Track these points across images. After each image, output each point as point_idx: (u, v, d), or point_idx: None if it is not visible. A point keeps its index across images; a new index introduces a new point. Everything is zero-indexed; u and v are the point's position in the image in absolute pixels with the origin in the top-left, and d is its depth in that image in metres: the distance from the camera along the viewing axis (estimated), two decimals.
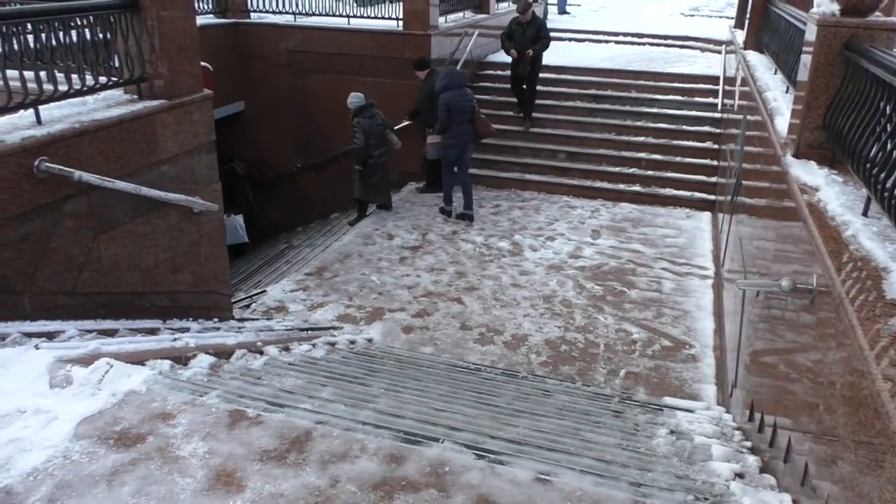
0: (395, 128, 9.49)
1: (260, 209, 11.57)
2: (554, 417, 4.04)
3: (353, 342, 5.86)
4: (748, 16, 9.11)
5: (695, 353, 6.05)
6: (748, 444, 3.77)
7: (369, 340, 6.12)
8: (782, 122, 4.67)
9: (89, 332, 4.01)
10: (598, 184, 10.09)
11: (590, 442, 3.50)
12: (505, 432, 3.34)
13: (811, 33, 3.91)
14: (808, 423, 2.79)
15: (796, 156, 3.95)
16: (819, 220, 3.08)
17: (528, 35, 10.38)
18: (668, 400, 5.07)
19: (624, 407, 4.71)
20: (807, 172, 3.71)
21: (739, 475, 3.19)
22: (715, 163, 9.93)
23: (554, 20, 17.00)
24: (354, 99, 8.70)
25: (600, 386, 5.50)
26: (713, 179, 9.73)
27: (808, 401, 2.83)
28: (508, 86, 11.20)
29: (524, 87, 10.83)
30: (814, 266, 2.91)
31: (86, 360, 3.18)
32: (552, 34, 14.63)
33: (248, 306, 6.92)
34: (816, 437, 2.66)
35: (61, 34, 4.32)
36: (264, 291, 7.31)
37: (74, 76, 4.42)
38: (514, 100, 11.04)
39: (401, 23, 10.30)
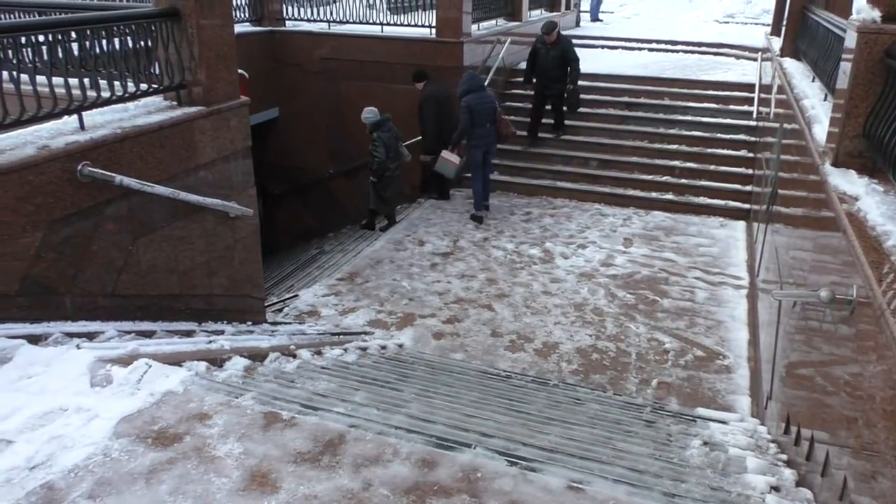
0: (409, 142, 9.64)
1: (295, 216, 11.71)
2: (585, 426, 4.02)
3: (384, 347, 5.89)
4: (785, 23, 9.00)
5: (728, 364, 5.97)
6: (784, 457, 3.71)
7: (400, 346, 6.15)
8: (820, 131, 4.61)
9: (128, 333, 4.09)
10: (631, 192, 10.01)
11: (622, 451, 3.48)
12: (536, 440, 3.34)
13: (851, 40, 3.86)
14: (846, 437, 2.75)
15: (835, 164, 3.89)
16: (859, 229, 3.04)
17: (553, 56, 10.22)
18: (701, 411, 5.02)
19: (656, 417, 4.67)
20: (846, 181, 3.65)
21: (775, 488, 3.14)
22: (750, 171, 9.80)
23: (586, 27, 16.98)
24: (369, 114, 8.82)
25: (632, 395, 5.45)
26: (748, 188, 9.61)
27: (847, 414, 2.79)
28: None
29: (551, 106, 10.68)
30: (853, 277, 2.86)
31: (125, 361, 3.25)
32: (584, 41, 14.74)
33: (280, 310, 6.99)
34: (855, 451, 2.61)
35: (104, 42, 4.43)
36: (297, 296, 7.38)
37: (116, 83, 4.53)
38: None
39: (434, 30, 10.36)
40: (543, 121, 10.92)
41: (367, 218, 9.43)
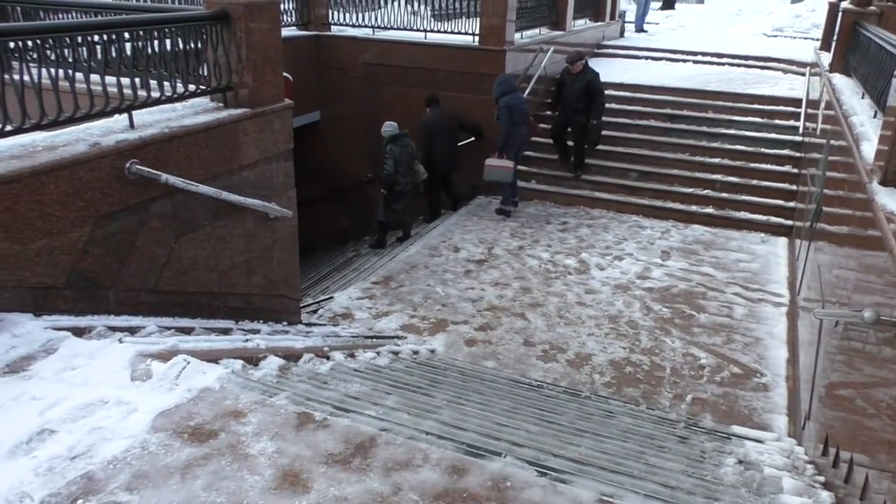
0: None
1: (333, 219, 11.87)
2: (617, 439, 3.99)
3: (416, 352, 5.91)
4: (835, 38, 8.83)
5: (766, 382, 5.86)
6: (821, 478, 3.63)
7: (432, 351, 6.16)
8: (869, 148, 4.51)
9: (168, 328, 4.17)
10: (670, 204, 9.90)
11: (654, 466, 3.43)
12: (567, 451, 3.32)
13: None
14: (887, 461, 2.68)
15: (883, 183, 3.80)
16: None
17: (577, 87, 9.93)
18: (736, 429, 4.93)
19: (690, 433, 4.60)
20: (894, 201, 3.57)
21: None
22: (794, 187, 9.63)
23: (631, 38, 16.87)
24: (388, 128, 9.04)
25: (665, 410, 5.38)
26: (791, 204, 9.43)
27: (889, 438, 2.72)
28: None
29: (573, 140, 10.39)
30: None
31: (165, 356, 3.31)
32: (629, 52, 14.63)
33: (315, 311, 7.07)
34: None
35: (156, 43, 4.54)
36: (331, 298, 7.45)
37: (166, 83, 4.63)
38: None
39: (477, 38, 10.39)
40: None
41: (378, 234, 9.58)
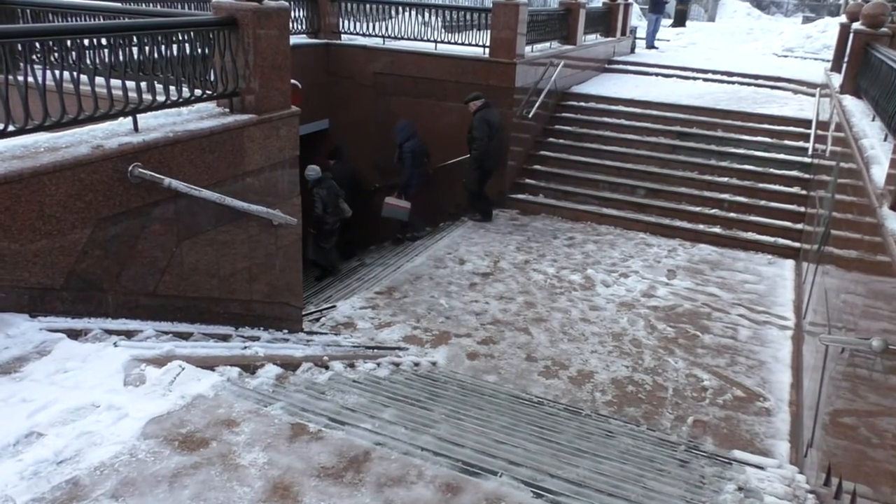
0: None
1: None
2: (616, 461, 3.92)
3: (417, 364, 5.86)
4: (846, 59, 8.79)
5: (769, 407, 5.79)
6: None
7: (433, 364, 6.11)
8: (879, 172, 4.46)
9: (165, 333, 4.13)
10: (677, 223, 9.84)
11: (652, 491, 3.37)
12: (565, 472, 3.26)
13: None
14: (891, 493, 2.62)
15: (894, 208, 3.75)
16: None
17: (470, 125, 9.62)
18: (737, 454, 4.86)
19: (690, 457, 4.54)
20: None
21: None
22: (802, 209, 9.57)
23: (641, 54, 16.88)
24: (311, 172, 9.15)
25: (666, 432, 5.32)
26: (799, 226, 9.36)
27: (893, 470, 2.66)
28: (589, 117, 11.14)
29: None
30: None
31: (159, 361, 3.28)
32: (639, 68, 14.62)
33: (317, 320, 7.03)
34: None
35: (163, 47, 4.53)
36: (334, 307, 7.40)
37: (171, 87, 4.62)
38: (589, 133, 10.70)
39: (487, 50, 10.39)
40: (592, 146, 10.84)
41: (320, 270, 9.66)
